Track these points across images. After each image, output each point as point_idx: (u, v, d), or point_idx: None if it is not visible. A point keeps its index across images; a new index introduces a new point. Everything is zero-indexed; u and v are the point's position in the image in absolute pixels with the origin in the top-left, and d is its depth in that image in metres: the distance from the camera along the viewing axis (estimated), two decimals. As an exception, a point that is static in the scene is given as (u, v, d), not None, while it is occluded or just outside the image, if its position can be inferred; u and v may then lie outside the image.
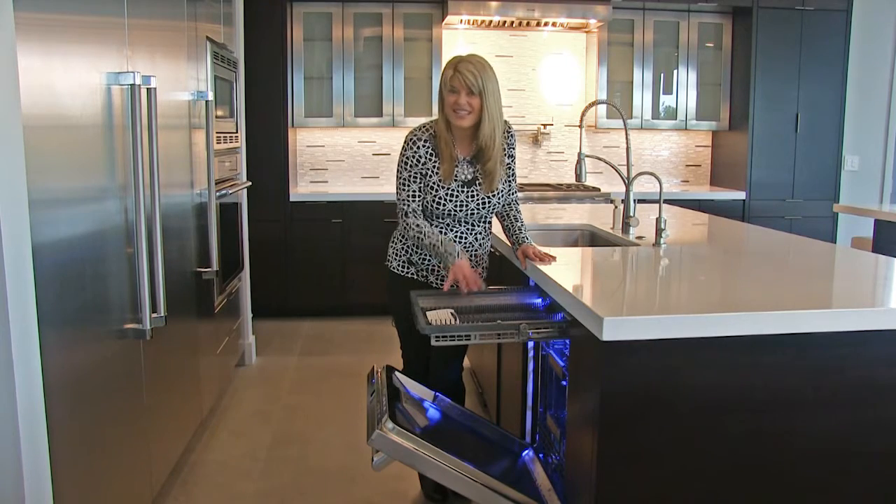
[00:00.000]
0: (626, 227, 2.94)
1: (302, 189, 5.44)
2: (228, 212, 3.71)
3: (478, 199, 2.50)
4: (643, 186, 5.43)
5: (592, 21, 5.18)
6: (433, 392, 2.51)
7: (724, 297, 1.97)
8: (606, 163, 3.22)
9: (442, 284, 2.58)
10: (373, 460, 2.10)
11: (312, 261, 5.15)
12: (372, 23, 5.30)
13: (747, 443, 1.74)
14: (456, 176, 2.46)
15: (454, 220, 2.51)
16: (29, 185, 1.60)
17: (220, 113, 3.45)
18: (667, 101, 5.66)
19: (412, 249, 2.56)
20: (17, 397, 1.60)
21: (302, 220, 5.11)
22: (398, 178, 2.49)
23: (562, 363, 2.20)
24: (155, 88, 2.24)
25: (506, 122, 2.53)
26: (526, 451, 2.43)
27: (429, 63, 5.34)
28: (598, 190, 5.34)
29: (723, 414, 1.72)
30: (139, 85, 2.12)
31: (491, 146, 2.43)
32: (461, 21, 5.26)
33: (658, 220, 2.67)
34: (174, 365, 2.73)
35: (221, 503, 2.71)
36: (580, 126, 3.14)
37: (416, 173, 2.45)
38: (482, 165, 2.47)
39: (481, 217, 2.55)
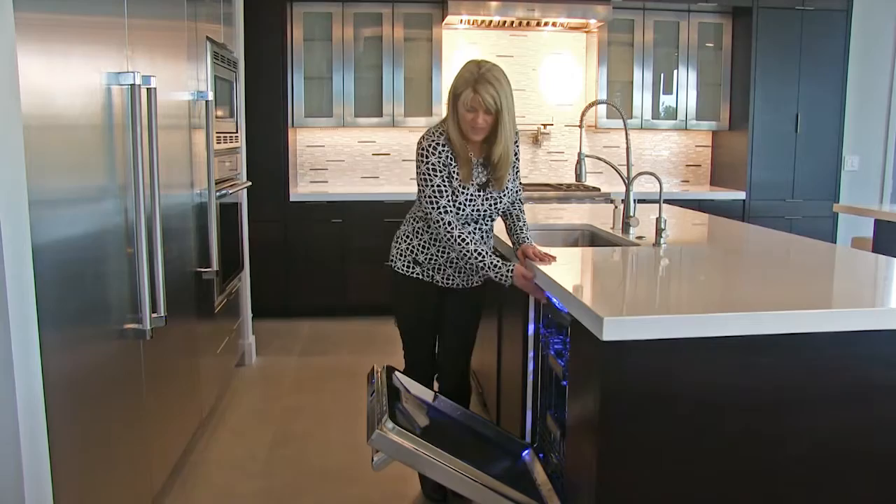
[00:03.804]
0: (626, 227, 2.94)
1: (302, 189, 5.44)
2: (228, 212, 3.71)
3: (490, 201, 2.50)
4: (643, 186, 5.43)
5: (592, 21, 5.18)
6: (433, 392, 2.51)
7: (724, 297, 1.97)
8: (606, 163, 3.22)
9: (449, 283, 2.57)
10: (373, 460, 2.11)
11: (312, 261, 5.15)
12: (372, 23, 5.30)
13: (747, 442, 1.74)
14: (472, 179, 2.46)
15: (464, 222, 2.50)
16: (29, 185, 1.60)
17: (220, 113, 3.45)
18: (667, 101, 5.66)
19: (418, 249, 2.55)
20: (17, 397, 1.59)
21: (302, 220, 5.10)
22: (429, 184, 2.39)
23: (562, 363, 2.20)
24: (155, 88, 2.24)
25: None
26: (526, 451, 2.43)
27: (429, 63, 5.34)
28: (598, 190, 5.34)
29: (723, 414, 1.72)
30: (139, 85, 2.12)
31: (505, 160, 2.44)
32: (461, 21, 5.26)
33: (658, 220, 2.67)
34: (174, 365, 2.73)
35: (221, 503, 2.71)
36: (580, 126, 3.14)
37: (446, 177, 2.41)
38: (493, 173, 2.47)
39: (490, 216, 2.56)
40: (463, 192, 2.44)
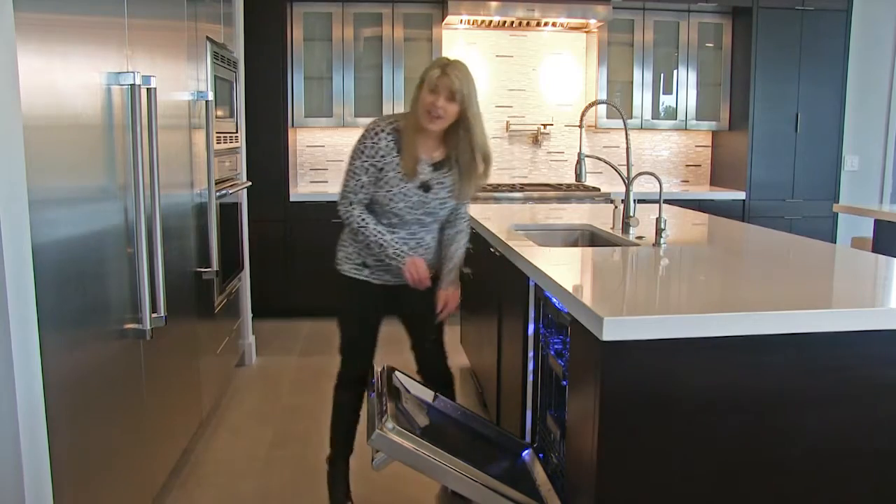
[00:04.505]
0: (626, 227, 2.94)
1: (302, 189, 5.44)
2: (228, 212, 3.71)
3: (428, 207, 2.43)
4: (643, 186, 5.43)
5: (592, 21, 5.18)
6: (433, 392, 2.51)
7: (724, 297, 1.97)
8: (606, 163, 3.22)
9: (400, 280, 2.52)
10: (373, 460, 2.11)
11: (312, 261, 5.13)
12: (372, 23, 5.30)
13: (747, 443, 1.74)
14: (416, 175, 2.38)
15: (401, 221, 2.43)
16: (29, 185, 1.60)
17: (220, 113, 3.45)
18: (667, 101, 5.66)
19: (366, 252, 2.49)
20: (17, 397, 1.60)
21: (302, 220, 5.10)
22: (351, 165, 2.40)
23: (562, 363, 2.20)
24: (155, 88, 2.24)
25: None
26: (526, 451, 2.43)
27: (429, 63, 5.32)
28: (598, 190, 5.34)
29: (723, 414, 1.72)
30: (139, 85, 2.12)
31: (487, 161, 2.38)
32: (461, 21, 5.26)
33: (658, 220, 2.67)
34: (174, 365, 2.73)
35: (221, 503, 2.71)
36: (580, 126, 3.14)
37: (370, 165, 2.37)
38: (461, 180, 2.41)
39: (427, 223, 2.48)
40: (399, 185, 2.37)
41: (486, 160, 2.42)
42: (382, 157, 2.36)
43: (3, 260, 1.53)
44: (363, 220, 2.40)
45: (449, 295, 2.50)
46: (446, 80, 2.28)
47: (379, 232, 2.40)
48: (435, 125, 2.32)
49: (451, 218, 2.56)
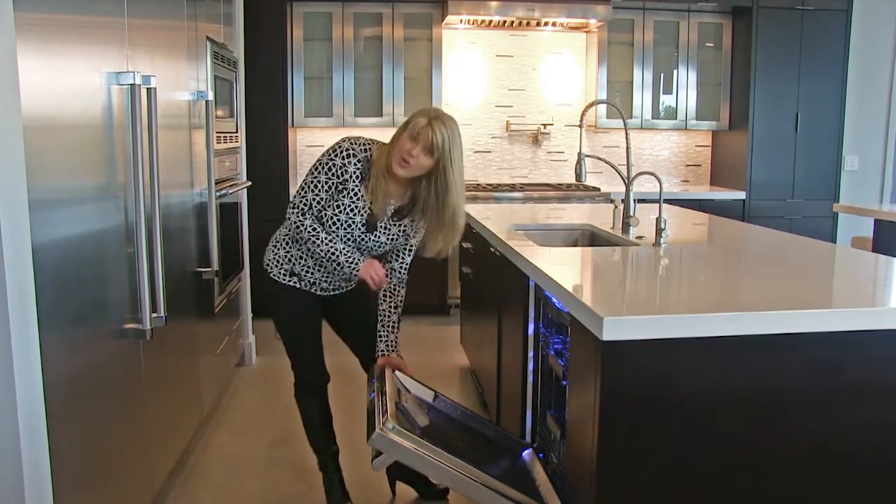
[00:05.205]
0: (626, 226, 2.94)
1: (302, 189, 5.43)
2: (228, 212, 3.71)
3: (363, 243, 2.41)
4: (643, 186, 5.43)
5: (592, 21, 5.18)
6: (433, 392, 2.51)
7: (723, 297, 1.97)
8: (606, 163, 3.22)
9: (327, 297, 2.53)
10: (373, 460, 2.11)
11: (312, 261, 5.14)
12: (372, 23, 5.30)
13: (747, 443, 1.74)
14: (385, 213, 2.36)
15: (337, 238, 2.39)
16: (29, 185, 1.60)
17: (220, 113, 3.45)
18: (667, 100, 5.66)
19: (295, 259, 2.45)
20: (17, 397, 1.60)
21: (302, 220, 5.09)
22: (314, 176, 2.32)
23: (562, 363, 2.20)
24: (155, 88, 2.24)
25: None
26: (526, 451, 2.43)
27: (429, 63, 5.34)
28: (598, 190, 5.34)
29: (722, 414, 1.72)
30: (139, 85, 2.12)
31: (454, 226, 2.34)
32: (461, 21, 5.26)
33: (658, 220, 2.67)
34: (174, 365, 2.73)
35: (221, 503, 2.71)
36: (580, 126, 3.14)
37: (333, 184, 2.31)
38: (425, 227, 2.40)
39: (361, 251, 2.46)
40: (349, 213, 2.34)
41: (454, 225, 2.36)
42: (344, 181, 2.31)
43: (3, 260, 1.53)
44: (314, 229, 2.34)
45: (394, 362, 2.50)
46: (428, 132, 2.20)
47: (329, 241, 2.35)
48: (403, 171, 2.25)
49: (390, 259, 2.53)
